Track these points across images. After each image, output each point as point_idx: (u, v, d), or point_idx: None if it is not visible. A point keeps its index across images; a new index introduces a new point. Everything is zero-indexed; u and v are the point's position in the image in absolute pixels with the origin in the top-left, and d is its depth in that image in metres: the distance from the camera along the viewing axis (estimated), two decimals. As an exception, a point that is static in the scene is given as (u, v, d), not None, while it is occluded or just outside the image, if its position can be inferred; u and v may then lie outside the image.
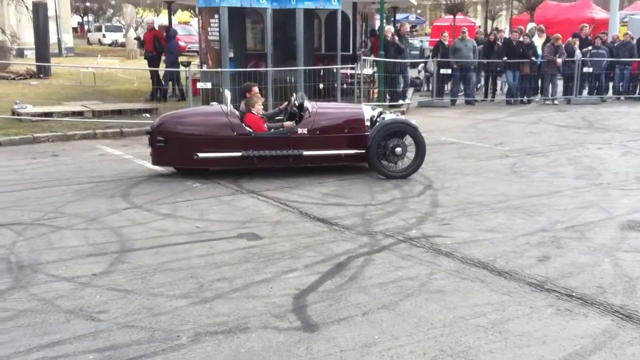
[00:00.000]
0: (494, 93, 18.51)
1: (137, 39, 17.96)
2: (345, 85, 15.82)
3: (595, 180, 8.62)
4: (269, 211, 7.16)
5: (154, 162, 8.80)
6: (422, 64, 20.71)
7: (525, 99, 17.52)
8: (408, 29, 20.51)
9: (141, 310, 4.58)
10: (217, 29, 13.78)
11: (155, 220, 6.79)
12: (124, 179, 8.52)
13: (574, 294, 4.87)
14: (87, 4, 54.47)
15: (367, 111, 9.18)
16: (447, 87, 18.05)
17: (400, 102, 16.12)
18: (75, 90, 17.18)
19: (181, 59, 17.96)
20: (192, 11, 48.45)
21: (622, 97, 18.28)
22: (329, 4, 14.56)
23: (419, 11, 54.64)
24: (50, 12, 25.93)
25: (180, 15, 50.03)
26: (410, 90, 17.89)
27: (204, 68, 14.47)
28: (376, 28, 19.89)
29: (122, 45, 41.34)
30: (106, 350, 4.03)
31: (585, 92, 18.15)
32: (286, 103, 9.50)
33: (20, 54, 29.76)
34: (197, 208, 7.25)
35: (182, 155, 8.54)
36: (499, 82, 18.86)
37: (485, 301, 4.76)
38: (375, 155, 8.61)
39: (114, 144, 11.27)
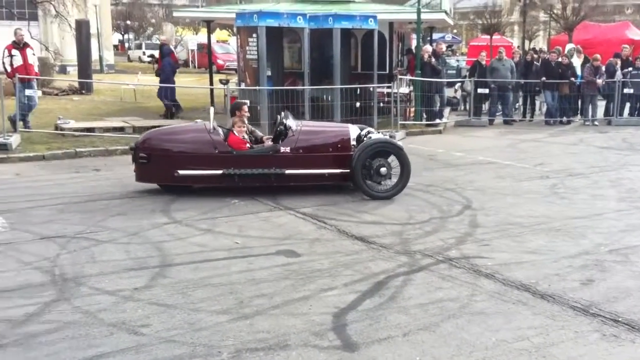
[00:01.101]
0: (532, 113, 18.35)
1: (152, 56, 18.28)
2: (381, 104, 15.84)
3: (638, 202, 8.45)
4: (307, 228, 7.17)
5: (137, 179, 8.79)
6: (459, 84, 20.64)
7: (564, 119, 17.31)
8: (444, 49, 20.48)
9: (182, 325, 4.61)
10: (255, 48, 13.96)
11: (195, 235, 6.85)
12: (165, 194, 8.62)
13: (620, 319, 4.76)
14: (128, 22, 55.59)
15: (354, 130, 9.12)
16: (485, 106, 17.95)
17: (437, 121, 16.05)
18: (116, 107, 17.49)
19: (220, 76, 18.14)
20: (230, 30, 49.08)
21: (664, 119, 17.94)
22: (365, 24, 14.64)
23: (455, 31, 54.55)
24: (93, 30, 26.58)
25: (219, 34, 50.68)
26: (447, 110, 17.82)
27: (242, 86, 14.64)
28: (412, 47, 19.92)
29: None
30: (149, 364, 4.06)
31: (626, 113, 17.86)
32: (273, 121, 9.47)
33: (63, 70, 30.48)
34: (235, 224, 7.30)
35: (163, 172, 8.55)
36: (537, 102, 18.69)
37: (528, 324, 4.68)
38: (359, 174, 8.51)
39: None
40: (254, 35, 13.92)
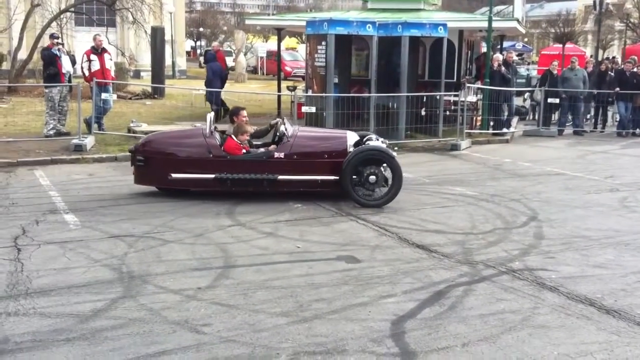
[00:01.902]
0: (604, 124, 17.83)
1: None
2: (447, 112, 15.70)
3: None
4: (368, 235, 7.19)
5: (135, 181, 8.94)
6: (529, 93, 20.24)
7: (637, 131, 16.74)
8: (514, 58, 20.13)
9: (243, 326, 4.71)
10: (324, 55, 14.07)
11: (257, 238, 6.97)
12: (230, 196, 8.77)
13: (689, 338, 4.59)
14: (201, 29, 56.91)
15: (352, 137, 8.99)
16: (555, 116, 17.55)
17: (504, 130, 15.79)
18: (187, 111, 17.90)
19: (287, 83, 18.35)
20: (298, 37, 49.62)
21: None
22: (435, 32, 14.55)
23: (526, 39, 53.51)
24: (167, 37, 27.33)
25: (288, 42, 51.29)
26: (515, 119, 17.51)
27: (309, 93, 14.78)
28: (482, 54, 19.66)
29: (232, 69, 42.85)
30: (209, 362, 4.16)
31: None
32: (275, 121, 9.34)
33: (137, 75, 31.49)
34: (297, 228, 7.39)
35: (158, 175, 8.67)
36: (609, 113, 18.14)
37: (592, 340, 4.56)
38: (349, 181, 8.40)
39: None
40: (323, 42, 14.04)
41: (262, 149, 8.95)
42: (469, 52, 20.36)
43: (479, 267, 6.14)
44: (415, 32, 14.36)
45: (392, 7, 17.84)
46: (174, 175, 8.57)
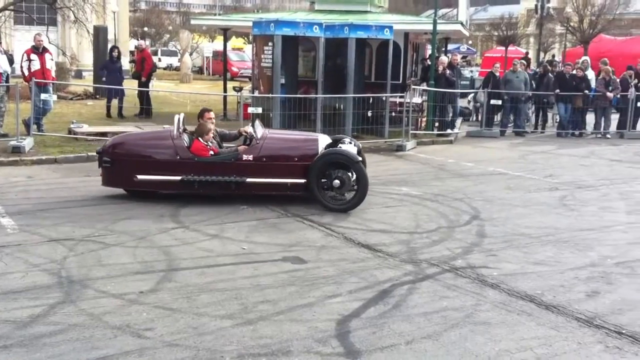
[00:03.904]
0: (544, 125, 18.29)
1: (132, 61, 18.93)
2: (393, 114, 15.85)
3: (648, 216, 8.40)
4: (314, 235, 7.19)
5: (103, 183, 8.81)
6: (472, 94, 20.62)
7: (576, 132, 17.24)
8: (459, 60, 20.48)
9: (186, 329, 4.64)
10: (270, 56, 14.04)
11: (202, 240, 6.89)
12: (174, 198, 8.65)
13: (623, 331, 4.74)
14: (145, 28, 56.03)
15: (323, 140, 8.89)
16: (497, 117, 17.91)
17: (449, 131, 16.04)
18: (131, 112, 17.61)
19: (233, 84, 18.30)
20: (245, 38, 49.38)
21: (677, 133, 17.85)
22: (381, 34, 14.68)
23: (470, 42, 54.50)
24: (110, 36, 26.80)
25: (234, 42, 50.97)
26: (459, 120, 17.80)
27: (256, 93, 14.72)
28: (427, 57, 19.94)
29: (177, 69, 42.34)
30: (151, 367, 4.09)
31: (639, 126, 17.76)
32: (246, 128, 9.15)
33: (79, 75, 30.76)
34: (243, 230, 7.33)
35: (124, 177, 8.54)
36: (549, 115, 18.62)
37: (532, 335, 4.67)
38: (315, 184, 8.30)
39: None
40: (270, 43, 14.01)
41: (229, 149, 8.81)
42: (415, 54, 20.60)
43: (423, 265, 6.21)
44: (361, 34, 14.46)
45: (339, 9, 17.92)
46: (140, 177, 8.40)
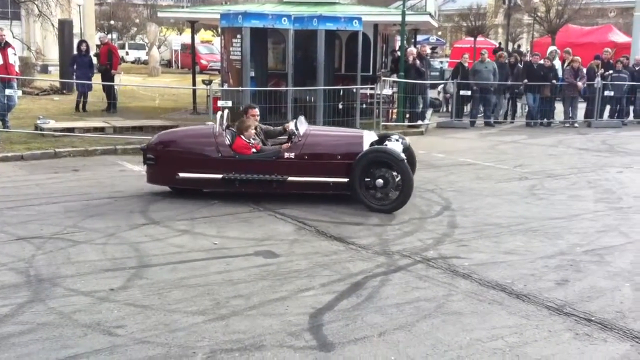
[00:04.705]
0: (513, 115, 18.48)
1: (96, 55, 18.74)
2: (364, 105, 15.87)
3: (615, 204, 8.54)
4: (286, 229, 7.17)
5: (148, 180, 8.72)
6: (442, 85, 20.74)
7: (545, 121, 17.45)
8: (428, 51, 20.56)
9: (158, 326, 4.60)
10: (239, 49, 13.95)
11: (173, 236, 6.83)
12: (143, 195, 8.58)
13: (593, 318, 4.81)
14: (112, 22, 55.25)
15: (368, 137, 8.56)
16: (467, 108, 18.04)
17: (419, 122, 16.12)
18: (97, 107, 17.38)
19: (203, 77, 18.17)
20: (214, 30, 48.96)
21: (643, 121, 18.21)
22: (350, 26, 14.67)
23: (439, 33, 54.76)
24: (75, 30, 26.36)
25: (203, 35, 50.53)
26: (430, 111, 17.89)
27: (225, 87, 14.61)
28: (397, 49, 19.99)
29: (145, 62, 41.88)
30: (122, 365, 4.04)
31: (606, 115, 18.05)
32: (289, 124, 8.96)
33: (45, 70, 30.25)
34: (214, 225, 7.28)
35: (167, 174, 8.44)
36: (518, 105, 18.82)
37: (503, 324, 4.71)
38: (357, 184, 7.98)
39: (134, 160, 11.35)
40: (238, 36, 13.91)
41: (271, 147, 8.55)
42: (384, 45, 20.65)
43: (395, 257, 6.23)
44: (330, 26, 14.44)
45: (308, 1, 17.88)
46: (182, 175, 8.26)
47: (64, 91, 21.36)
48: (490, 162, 11.72)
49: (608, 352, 4.29)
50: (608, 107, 18.05)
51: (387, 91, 16.55)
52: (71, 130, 13.40)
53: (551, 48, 21.66)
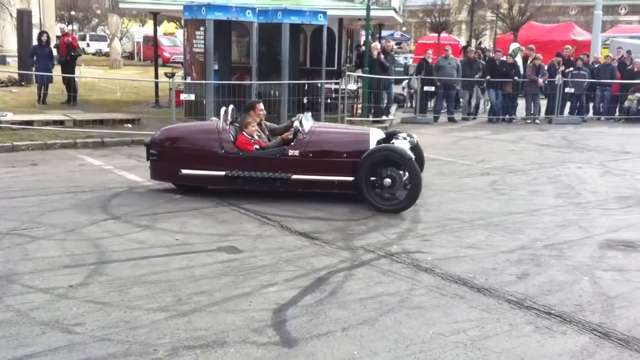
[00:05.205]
0: (476, 111, 18.67)
1: (56, 46, 18.44)
2: (329, 100, 15.87)
3: (574, 199, 8.69)
4: (250, 224, 7.12)
5: (151, 176, 8.58)
6: (406, 81, 20.85)
7: (507, 117, 17.68)
8: (392, 46, 20.65)
9: (118, 324, 4.52)
10: (203, 42, 13.81)
11: (134, 232, 6.72)
12: (104, 189, 8.44)
13: (552, 311, 4.88)
14: (72, 12, 54.23)
15: (375, 135, 8.36)
16: (430, 104, 18.17)
17: (384, 117, 16.18)
18: (57, 99, 17.05)
19: (165, 70, 17.95)
20: (177, 23, 48.40)
21: (602, 118, 18.61)
22: (315, 20, 14.64)
23: (404, 29, 55.07)
24: (35, 20, 25.76)
25: (166, 27, 49.93)
26: (394, 107, 17.98)
27: (188, 79, 14.46)
28: (362, 43, 20.01)
29: (106, 54, 41.20)
30: (81, 363, 3.97)
31: (566, 111, 18.37)
32: (294, 119, 8.72)
33: (3, 61, 29.55)
34: (177, 220, 7.19)
35: (169, 171, 8.31)
36: (481, 101, 19.02)
37: (465, 318, 4.75)
38: (363, 184, 7.79)
39: (95, 154, 11.19)
40: (202, 28, 13.77)
41: (275, 142, 8.34)
42: (349, 40, 20.66)
43: (359, 252, 6.24)
44: (295, 20, 14.39)
45: (273, -7, 17.76)
46: (184, 172, 8.10)
47: (23, 83, 20.89)
48: (453, 157, 11.82)
49: (567, 345, 4.36)
50: (568, 104, 18.38)
51: (352, 86, 16.56)
52: (30, 123, 13.11)
53: (514, 45, 21.94)
